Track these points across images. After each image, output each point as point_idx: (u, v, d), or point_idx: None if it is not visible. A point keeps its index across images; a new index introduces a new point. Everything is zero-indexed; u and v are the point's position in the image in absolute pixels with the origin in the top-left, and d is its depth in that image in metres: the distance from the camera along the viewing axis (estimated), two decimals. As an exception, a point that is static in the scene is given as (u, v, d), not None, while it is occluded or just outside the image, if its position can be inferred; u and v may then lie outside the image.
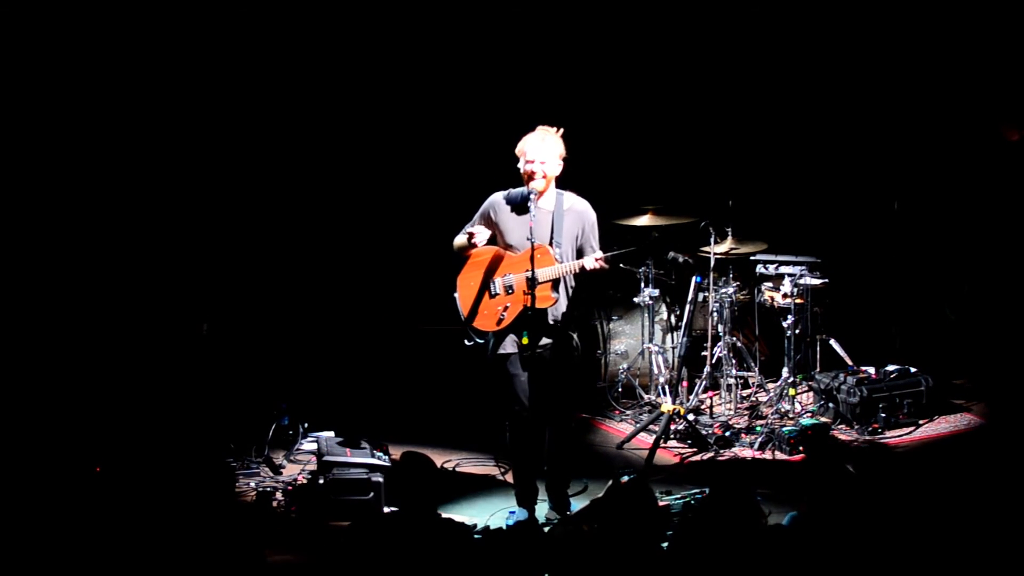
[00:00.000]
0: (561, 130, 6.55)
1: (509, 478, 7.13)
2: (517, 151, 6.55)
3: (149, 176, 8.65)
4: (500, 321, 6.53)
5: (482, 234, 6.56)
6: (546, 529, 6.46)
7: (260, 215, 9.04)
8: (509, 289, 6.54)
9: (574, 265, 6.53)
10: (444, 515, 6.61)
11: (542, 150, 6.48)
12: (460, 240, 6.64)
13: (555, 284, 6.55)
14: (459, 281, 6.63)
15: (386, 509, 6.77)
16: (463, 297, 6.61)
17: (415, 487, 4.97)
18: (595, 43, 9.36)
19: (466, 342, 6.64)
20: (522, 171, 6.54)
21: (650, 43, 9.47)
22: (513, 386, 6.59)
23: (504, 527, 6.23)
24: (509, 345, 6.57)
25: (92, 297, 8.38)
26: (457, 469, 7.65)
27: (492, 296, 6.56)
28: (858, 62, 9.36)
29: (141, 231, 8.60)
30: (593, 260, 6.50)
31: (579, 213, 6.63)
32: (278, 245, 9.12)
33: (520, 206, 6.56)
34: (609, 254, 6.54)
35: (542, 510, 6.78)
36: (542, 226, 6.54)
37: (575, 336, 6.75)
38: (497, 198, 6.62)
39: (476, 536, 6.06)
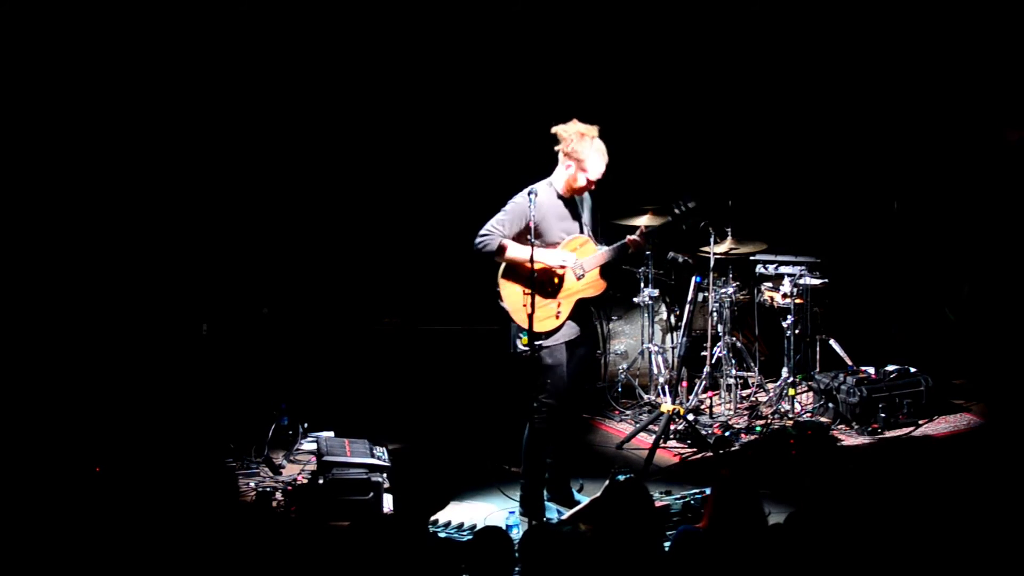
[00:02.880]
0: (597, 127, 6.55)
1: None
2: (586, 161, 6.43)
3: (149, 177, 8.65)
4: (558, 315, 6.54)
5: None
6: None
7: (259, 215, 9.04)
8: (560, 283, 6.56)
9: (616, 247, 6.58)
10: (444, 513, 6.70)
11: (604, 166, 6.52)
12: (521, 255, 6.40)
13: (602, 269, 6.63)
14: (506, 288, 6.51)
15: (386, 507, 6.78)
16: (515, 304, 6.49)
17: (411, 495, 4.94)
18: (594, 43, 9.36)
19: (522, 349, 6.44)
20: (576, 184, 6.50)
21: (649, 43, 9.47)
22: (552, 377, 6.50)
23: (504, 527, 6.23)
24: (559, 336, 6.55)
25: (92, 298, 8.38)
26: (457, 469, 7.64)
27: (544, 292, 6.50)
28: (858, 62, 9.36)
29: (141, 232, 8.60)
30: (636, 236, 6.59)
31: (589, 197, 6.72)
32: (277, 245, 9.12)
33: (555, 201, 6.55)
34: (648, 229, 6.68)
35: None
36: (575, 218, 6.61)
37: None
38: (536, 196, 6.45)
39: (471, 536, 6.07)
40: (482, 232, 6.46)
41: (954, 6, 9.04)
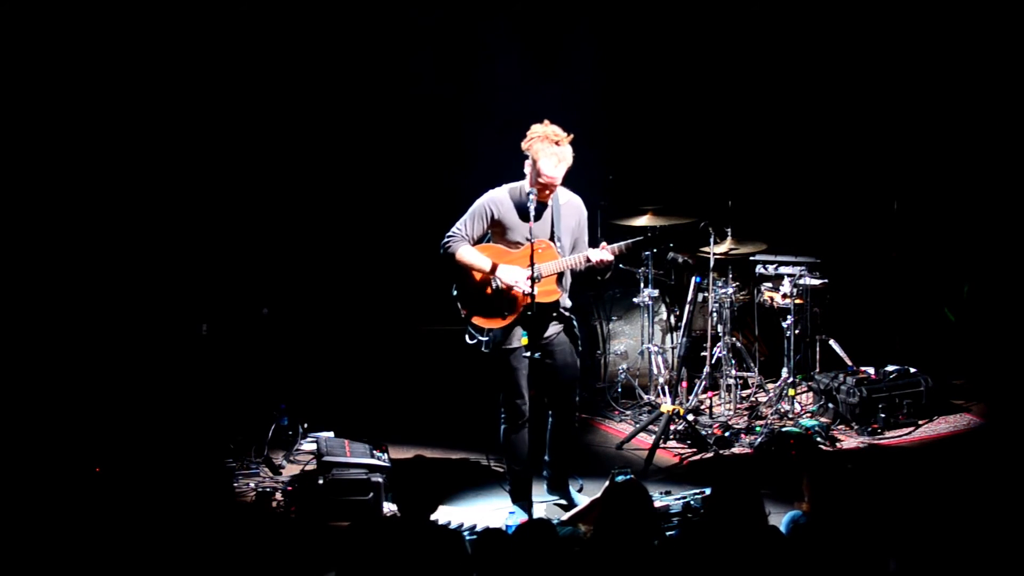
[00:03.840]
0: (571, 136, 6.45)
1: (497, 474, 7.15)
2: (539, 161, 6.38)
3: (149, 178, 8.66)
4: (505, 316, 6.55)
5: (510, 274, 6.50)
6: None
7: (259, 216, 9.04)
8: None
9: (579, 258, 6.55)
10: (444, 514, 6.70)
11: (560, 170, 6.44)
12: (474, 261, 6.54)
13: (559, 278, 6.61)
14: (460, 279, 6.64)
15: (386, 508, 6.78)
16: (465, 295, 6.62)
17: (413, 493, 4.93)
18: (596, 45, 9.36)
19: (467, 339, 6.67)
20: (535, 183, 6.45)
21: (649, 43, 9.47)
22: (516, 380, 6.58)
23: (504, 527, 6.24)
24: (514, 340, 6.56)
25: (92, 298, 8.38)
26: (457, 469, 7.66)
27: (495, 292, 6.56)
28: (858, 62, 9.36)
29: (141, 232, 8.61)
30: (599, 252, 6.51)
31: (575, 207, 6.68)
32: (277, 246, 9.12)
33: (522, 204, 6.53)
34: (614, 244, 6.57)
35: (536, 510, 6.77)
36: (543, 222, 6.57)
37: (575, 321, 6.79)
38: (498, 196, 6.57)
39: (472, 537, 6.07)
40: (447, 235, 6.61)
41: (954, 6, 9.04)
